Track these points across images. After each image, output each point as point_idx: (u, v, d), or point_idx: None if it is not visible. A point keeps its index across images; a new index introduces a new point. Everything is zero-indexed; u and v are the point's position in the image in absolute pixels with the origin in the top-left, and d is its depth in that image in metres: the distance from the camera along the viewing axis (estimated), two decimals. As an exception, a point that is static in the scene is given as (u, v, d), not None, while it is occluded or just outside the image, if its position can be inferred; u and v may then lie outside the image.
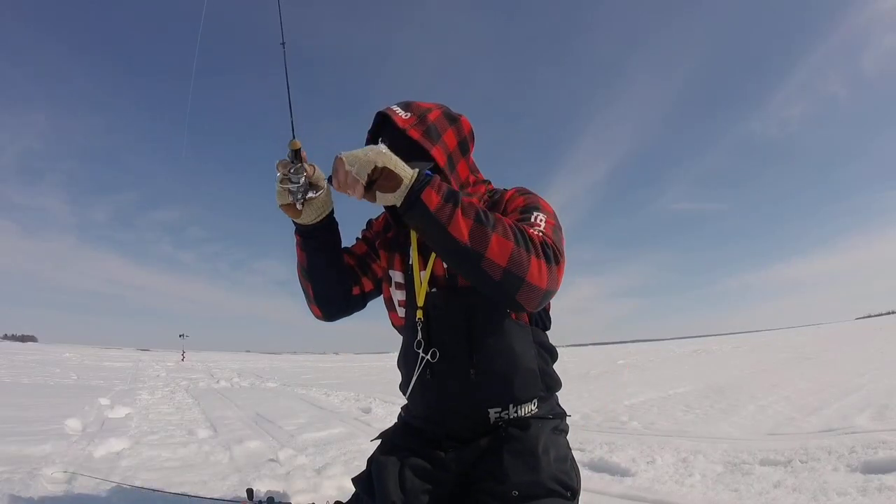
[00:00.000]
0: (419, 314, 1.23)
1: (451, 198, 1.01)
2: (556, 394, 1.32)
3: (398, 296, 1.31)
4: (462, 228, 0.99)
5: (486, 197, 1.28)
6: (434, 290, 1.22)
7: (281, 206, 1.14)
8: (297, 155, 1.08)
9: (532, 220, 1.13)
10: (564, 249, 1.13)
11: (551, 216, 1.18)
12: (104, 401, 5.53)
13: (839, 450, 2.50)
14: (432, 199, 1.00)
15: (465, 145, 1.25)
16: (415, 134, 1.16)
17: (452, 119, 1.24)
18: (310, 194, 1.12)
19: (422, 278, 1.23)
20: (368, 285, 1.38)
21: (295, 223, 1.20)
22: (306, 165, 1.09)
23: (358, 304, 1.38)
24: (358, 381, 9.72)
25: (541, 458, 1.11)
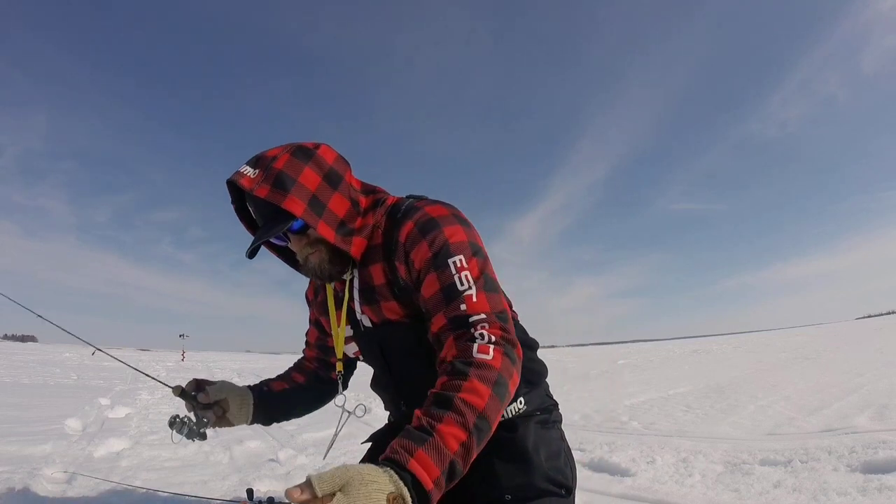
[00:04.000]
0: (339, 366, 1.28)
1: (451, 474, 0.81)
2: (546, 381, 1.27)
3: (352, 349, 1.32)
4: (474, 453, 0.84)
5: (384, 222, 1.13)
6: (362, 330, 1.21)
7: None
8: (183, 394, 1.20)
9: (460, 292, 0.97)
10: (504, 300, 1.03)
11: (469, 254, 1.02)
12: (104, 401, 5.52)
13: (839, 450, 2.50)
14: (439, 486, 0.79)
15: (332, 177, 1.07)
16: (262, 193, 1.00)
17: (306, 155, 1.06)
18: (205, 430, 1.23)
19: (338, 332, 1.24)
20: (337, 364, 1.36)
21: None
22: (189, 415, 1.22)
23: (344, 381, 1.36)
24: (358, 381, 9.70)
25: (532, 458, 1.09)
